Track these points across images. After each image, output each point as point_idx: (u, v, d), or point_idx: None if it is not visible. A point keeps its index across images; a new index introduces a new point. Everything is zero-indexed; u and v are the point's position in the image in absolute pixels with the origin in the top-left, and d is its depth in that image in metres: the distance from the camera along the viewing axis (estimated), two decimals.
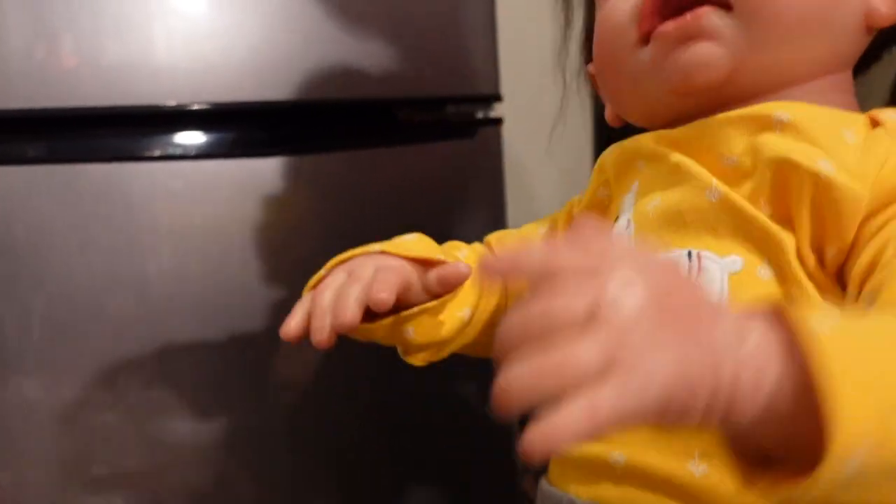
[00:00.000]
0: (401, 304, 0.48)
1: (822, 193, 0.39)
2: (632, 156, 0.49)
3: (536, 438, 0.24)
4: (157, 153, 0.86)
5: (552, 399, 0.25)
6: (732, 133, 0.43)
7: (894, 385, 0.26)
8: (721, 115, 0.44)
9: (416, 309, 0.48)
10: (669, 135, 0.46)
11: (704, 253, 0.42)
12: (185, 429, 0.89)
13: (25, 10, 0.76)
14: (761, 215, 0.41)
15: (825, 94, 0.45)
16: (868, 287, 0.37)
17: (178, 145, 0.87)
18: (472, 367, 0.61)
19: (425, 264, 0.50)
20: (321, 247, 0.90)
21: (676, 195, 0.44)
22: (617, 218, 0.49)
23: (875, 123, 0.42)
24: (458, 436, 1.01)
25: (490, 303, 0.54)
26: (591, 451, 0.43)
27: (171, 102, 0.83)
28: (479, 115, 1.03)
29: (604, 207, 0.53)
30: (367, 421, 0.98)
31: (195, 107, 0.84)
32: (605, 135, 1.16)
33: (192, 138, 0.88)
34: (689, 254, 0.42)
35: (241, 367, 0.91)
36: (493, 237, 0.60)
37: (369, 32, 0.93)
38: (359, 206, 0.96)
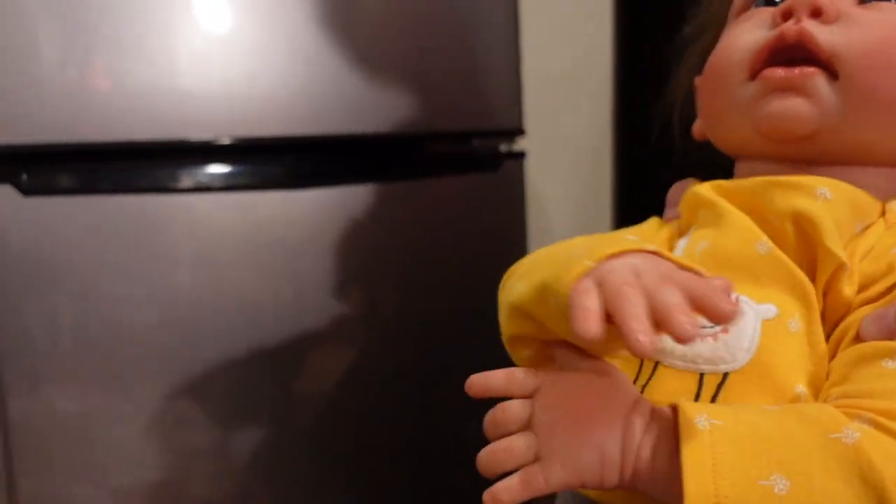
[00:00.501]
0: None
1: (836, 280, 0.43)
2: (695, 204, 0.52)
3: (489, 496, 0.39)
4: (185, 185, 0.90)
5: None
6: (779, 196, 0.46)
7: (756, 476, 0.35)
8: (773, 179, 0.47)
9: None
10: (726, 186, 0.49)
11: (743, 297, 0.44)
12: (205, 441, 0.93)
13: (58, 32, 0.80)
14: (803, 274, 0.44)
15: (877, 180, 0.47)
16: (831, 364, 0.42)
17: (208, 176, 0.91)
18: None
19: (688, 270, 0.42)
20: (349, 273, 0.96)
21: (726, 240, 0.47)
22: (672, 250, 0.52)
23: (882, 212, 0.46)
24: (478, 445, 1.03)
25: None
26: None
27: (204, 136, 0.87)
28: (503, 148, 1.07)
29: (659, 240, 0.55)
30: (386, 433, 1.02)
31: (225, 140, 0.88)
32: (626, 170, 1.19)
33: (221, 170, 0.91)
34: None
35: (260, 382, 0.95)
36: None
37: (398, 69, 0.97)
38: (387, 235, 1.00)
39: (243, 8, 0.89)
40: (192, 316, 0.90)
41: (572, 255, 0.40)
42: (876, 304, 0.42)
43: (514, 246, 1.08)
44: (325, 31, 0.93)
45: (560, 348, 0.42)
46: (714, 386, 0.42)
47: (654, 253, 0.39)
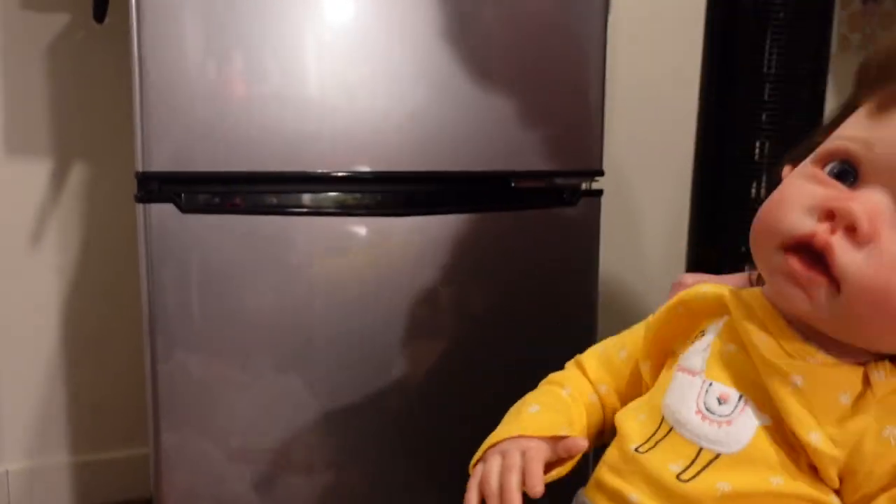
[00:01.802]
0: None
1: (812, 454, 0.50)
2: (720, 302, 0.59)
3: None
4: (308, 208, 1.06)
5: None
6: (766, 377, 0.53)
7: None
8: (766, 352, 0.53)
9: (554, 473, 0.62)
10: (742, 334, 0.55)
11: (749, 403, 0.53)
12: (308, 414, 1.09)
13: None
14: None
15: (867, 355, 0.52)
16: None
17: (328, 200, 1.08)
18: None
19: (554, 439, 0.61)
20: (444, 283, 1.12)
21: (745, 362, 0.55)
22: (703, 334, 0.59)
23: (867, 383, 0.51)
24: None
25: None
26: (615, 484, 0.57)
27: (340, 171, 1.04)
28: (583, 186, 1.19)
29: (681, 327, 0.63)
30: (466, 416, 1.15)
31: (342, 172, 1.05)
32: (701, 218, 1.25)
33: (339, 196, 1.08)
34: (741, 397, 0.54)
35: (360, 368, 1.11)
36: (589, 367, 0.70)
37: (497, 117, 1.11)
38: (478, 255, 1.14)
39: (377, 49, 1.06)
40: (305, 310, 1.07)
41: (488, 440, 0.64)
42: (886, 494, 0.49)
43: (586, 272, 1.21)
44: (445, 84, 1.09)
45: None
46: (707, 460, 0.53)
47: (520, 436, 0.61)
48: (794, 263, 0.51)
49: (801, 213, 0.51)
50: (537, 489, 0.57)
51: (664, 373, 0.62)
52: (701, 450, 0.53)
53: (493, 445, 0.63)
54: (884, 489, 0.49)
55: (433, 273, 1.12)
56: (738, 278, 0.67)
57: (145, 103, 0.95)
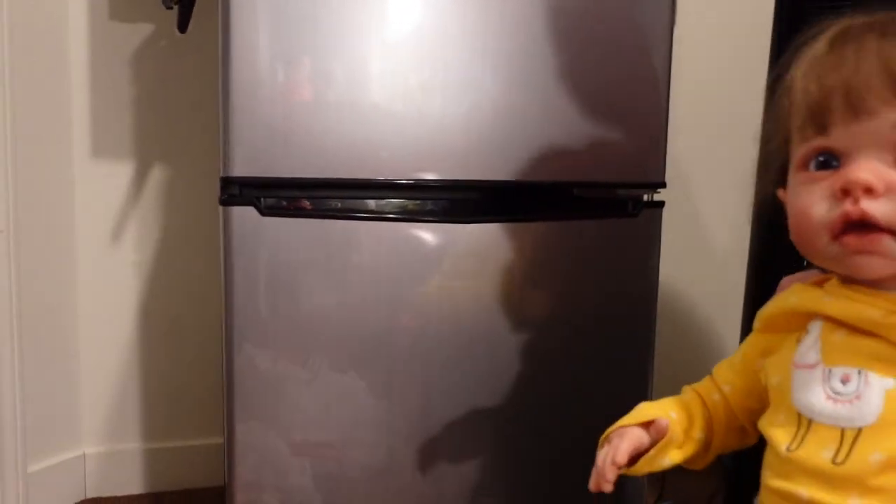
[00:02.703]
0: (643, 451, 0.72)
1: None
2: (817, 309, 0.64)
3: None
4: (374, 213, 1.10)
5: None
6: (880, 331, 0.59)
7: None
8: (879, 315, 0.59)
9: (644, 458, 0.71)
10: (851, 317, 0.61)
11: (869, 373, 0.58)
12: (366, 413, 1.12)
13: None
14: None
15: None
16: None
17: (393, 207, 1.12)
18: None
19: (647, 425, 0.72)
20: (508, 289, 1.15)
21: (854, 333, 0.61)
22: (808, 332, 0.64)
23: None
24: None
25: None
26: (782, 486, 0.61)
27: (404, 178, 1.08)
28: (645, 197, 1.22)
29: (785, 323, 0.68)
30: (531, 416, 1.21)
31: (411, 179, 1.09)
32: (762, 228, 1.26)
33: (408, 203, 1.12)
34: (859, 372, 0.58)
35: (416, 367, 1.14)
36: (717, 370, 0.77)
37: (562, 129, 1.14)
38: (540, 264, 1.18)
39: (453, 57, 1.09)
40: (367, 312, 1.11)
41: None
42: None
43: (646, 282, 1.23)
44: (510, 93, 1.12)
45: None
46: (852, 438, 0.57)
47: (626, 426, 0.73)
48: (851, 240, 0.58)
49: (824, 208, 0.60)
50: (618, 458, 0.70)
51: (776, 373, 0.66)
52: (843, 430, 0.58)
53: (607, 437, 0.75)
54: None
55: (495, 280, 1.15)
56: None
57: (228, 110, 1.00)
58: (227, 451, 1.08)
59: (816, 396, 0.60)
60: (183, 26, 1.45)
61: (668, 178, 1.20)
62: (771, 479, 0.62)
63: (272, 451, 1.10)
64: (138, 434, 1.63)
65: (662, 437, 0.70)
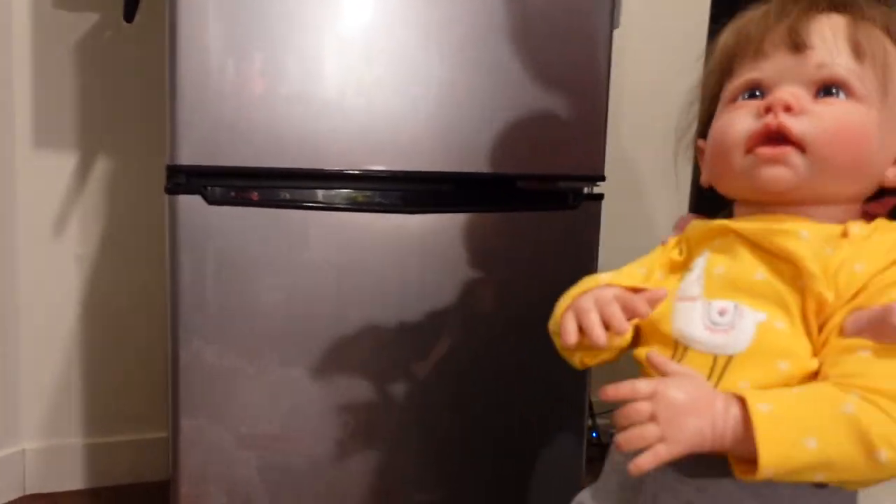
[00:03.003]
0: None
1: (819, 291, 0.62)
2: (711, 233, 0.71)
3: (635, 467, 0.58)
4: (322, 203, 1.11)
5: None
6: (778, 239, 0.65)
7: (796, 440, 0.56)
8: (770, 226, 0.66)
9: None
10: (738, 226, 0.68)
11: (744, 307, 0.64)
12: (312, 406, 1.13)
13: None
14: (785, 291, 0.64)
15: (839, 213, 0.67)
16: (820, 355, 0.62)
17: (340, 197, 1.13)
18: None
19: (636, 290, 0.70)
20: (448, 280, 1.17)
21: (736, 269, 0.67)
22: (690, 269, 0.71)
23: (845, 234, 0.64)
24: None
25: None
26: None
27: (354, 169, 1.10)
28: (585, 190, 1.25)
29: (676, 262, 0.75)
30: (466, 405, 1.22)
31: (361, 170, 1.10)
32: (699, 210, 1.32)
33: (353, 195, 1.13)
34: (735, 305, 0.65)
35: (363, 361, 1.15)
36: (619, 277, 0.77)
37: (504, 123, 1.17)
38: (483, 254, 1.20)
39: (398, 52, 1.11)
40: (315, 303, 1.11)
41: (567, 294, 0.72)
42: (848, 305, 0.61)
43: (587, 271, 1.25)
44: (458, 88, 1.14)
45: (653, 365, 0.64)
46: (723, 365, 0.64)
47: (608, 285, 0.70)
48: (765, 149, 0.66)
49: (746, 124, 0.67)
50: (640, 309, 0.66)
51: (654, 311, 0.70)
52: (716, 358, 0.64)
53: (581, 294, 0.71)
54: (845, 305, 0.62)
55: (440, 270, 1.18)
56: (657, 250, 0.79)
57: (176, 98, 1.01)
58: (172, 444, 1.08)
59: (695, 325, 0.66)
60: (129, 16, 1.44)
61: (607, 171, 1.24)
62: None
63: (218, 444, 1.10)
64: (80, 429, 1.62)
65: (653, 308, 0.68)
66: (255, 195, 1.06)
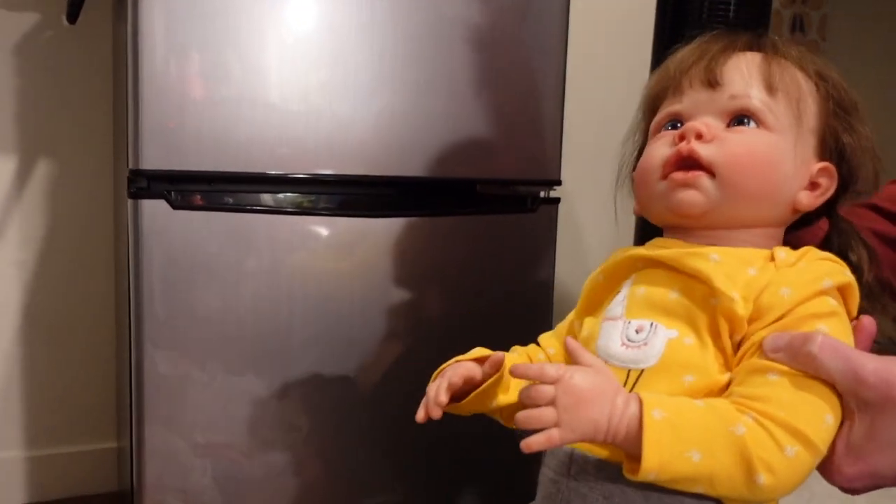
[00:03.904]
0: (476, 386, 0.75)
1: (730, 307, 0.64)
2: (635, 260, 0.74)
3: (525, 444, 0.59)
4: (284, 207, 1.11)
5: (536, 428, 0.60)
6: (688, 261, 0.68)
7: (680, 451, 0.58)
8: (684, 250, 0.69)
9: (476, 391, 0.75)
10: (659, 253, 0.71)
11: (658, 325, 0.67)
12: (265, 413, 1.13)
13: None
14: (695, 310, 0.66)
15: (758, 240, 0.70)
16: (733, 371, 0.65)
17: (303, 201, 1.13)
18: None
19: (482, 360, 0.76)
20: (408, 283, 1.18)
21: (654, 290, 0.70)
22: (618, 292, 0.73)
23: (772, 258, 0.67)
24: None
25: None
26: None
27: (301, 173, 1.09)
28: (542, 194, 1.28)
29: (600, 286, 0.78)
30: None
31: (308, 174, 1.10)
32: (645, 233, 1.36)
33: (299, 199, 1.13)
34: (651, 324, 0.68)
35: (318, 367, 1.15)
36: (542, 338, 0.85)
37: (461, 127, 1.19)
38: (441, 257, 1.22)
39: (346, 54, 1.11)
40: (266, 308, 1.11)
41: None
42: (770, 327, 0.63)
43: (543, 275, 1.29)
44: (412, 91, 1.15)
45: (568, 351, 0.67)
46: (635, 377, 0.66)
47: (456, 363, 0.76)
48: (677, 175, 0.69)
49: (662, 151, 0.72)
50: (454, 379, 0.74)
51: (588, 327, 0.75)
52: (629, 371, 0.67)
53: (440, 372, 0.78)
54: (765, 327, 0.64)
55: (398, 274, 1.18)
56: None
57: (140, 103, 0.99)
58: (137, 454, 1.06)
59: (614, 342, 0.69)
60: (73, 17, 1.40)
61: (563, 176, 1.27)
62: None
63: (175, 454, 1.09)
64: (20, 441, 1.56)
65: (496, 372, 0.74)
66: (195, 199, 1.05)
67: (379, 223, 1.16)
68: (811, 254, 0.68)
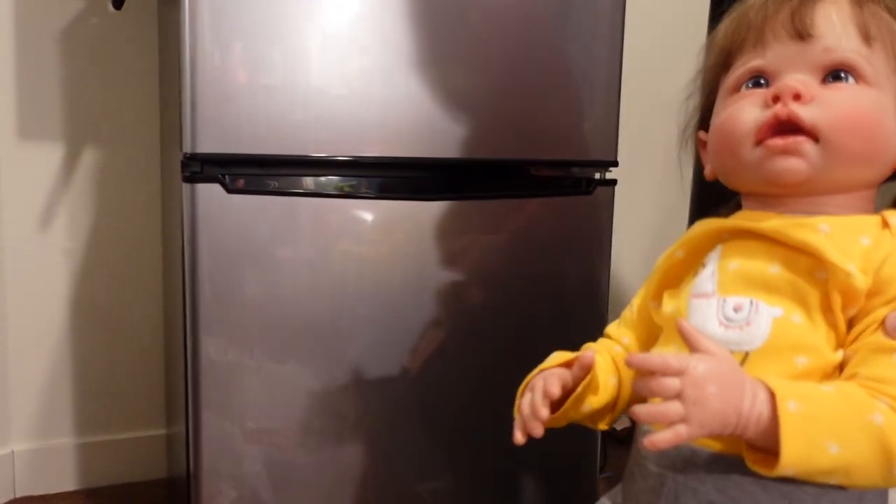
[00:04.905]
0: (568, 393, 0.71)
1: (846, 282, 0.60)
2: (720, 230, 0.69)
3: (650, 442, 0.55)
4: (339, 191, 1.09)
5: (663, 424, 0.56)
6: (794, 232, 0.63)
7: (819, 443, 0.55)
8: (788, 221, 0.64)
9: (571, 397, 0.71)
10: (759, 226, 0.65)
11: (760, 303, 0.63)
12: (315, 400, 1.11)
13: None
14: (803, 285, 0.62)
15: (856, 203, 0.66)
16: (849, 349, 0.60)
17: (359, 184, 1.11)
18: None
19: (570, 364, 0.72)
20: (465, 268, 1.16)
21: (750, 263, 0.65)
22: (704, 266, 0.69)
23: (885, 224, 0.63)
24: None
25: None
26: None
27: (343, 156, 1.07)
28: (598, 176, 1.25)
29: (678, 262, 0.73)
30: (464, 398, 1.21)
31: (351, 156, 1.08)
32: (703, 196, 1.33)
33: (370, 180, 1.11)
34: (751, 301, 0.63)
35: (363, 353, 1.13)
36: (610, 330, 0.81)
37: (518, 108, 1.16)
38: (496, 243, 1.19)
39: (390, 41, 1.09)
40: (320, 297, 1.09)
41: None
42: (893, 303, 0.59)
43: (599, 258, 1.26)
44: (460, 72, 1.13)
45: (684, 335, 0.62)
46: (740, 360, 0.61)
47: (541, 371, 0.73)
48: (776, 141, 0.64)
49: (753, 114, 0.65)
50: (552, 389, 0.69)
51: (672, 304, 0.70)
52: (732, 354, 0.61)
53: (527, 385, 0.74)
54: (887, 303, 0.60)
55: (448, 259, 1.16)
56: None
57: (196, 88, 0.98)
58: (193, 441, 1.05)
59: (710, 322, 0.64)
60: (118, 2, 1.40)
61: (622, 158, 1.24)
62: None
63: (229, 440, 1.08)
64: (71, 429, 1.57)
65: (587, 374, 0.70)
66: (238, 184, 1.03)
67: (431, 206, 1.13)
68: None
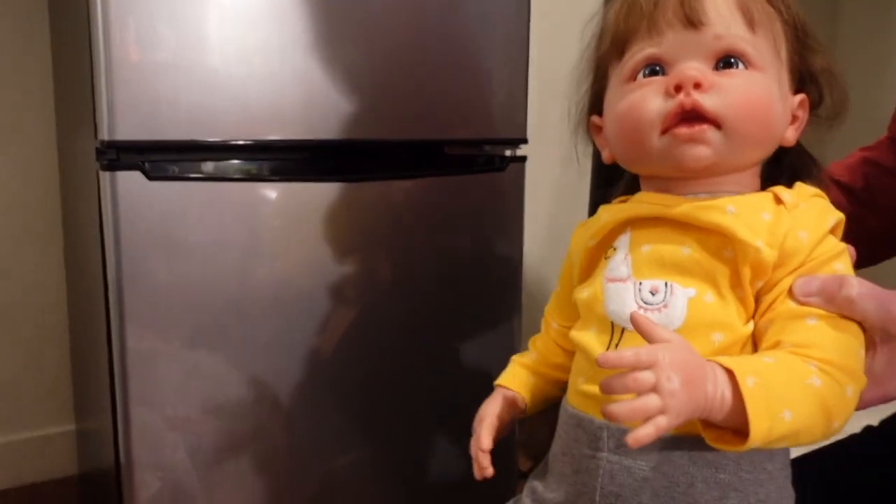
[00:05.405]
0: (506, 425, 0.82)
1: (756, 257, 0.63)
2: (629, 215, 0.71)
3: (633, 439, 0.54)
4: (261, 175, 1.09)
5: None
6: (704, 215, 0.65)
7: (776, 413, 0.57)
8: (696, 205, 0.66)
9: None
10: (670, 211, 0.68)
11: (674, 284, 0.65)
12: (231, 387, 1.11)
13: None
14: (713, 264, 0.65)
15: (748, 181, 0.70)
16: (763, 319, 0.64)
17: (276, 168, 1.11)
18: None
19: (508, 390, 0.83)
20: (376, 245, 1.17)
21: (662, 247, 0.67)
22: (615, 249, 0.70)
23: (778, 201, 0.66)
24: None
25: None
26: (594, 390, 0.67)
27: (244, 139, 1.06)
28: (508, 153, 1.28)
29: (591, 250, 0.74)
30: (376, 376, 1.23)
31: (253, 140, 1.07)
32: (602, 174, 1.39)
33: (287, 164, 1.11)
34: (666, 283, 0.66)
35: (280, 332, 1.13)
36: (547, 311, 0.86)
37: (427, 88, 1.18)
38: (408, 221, 1.21)
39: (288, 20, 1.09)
40: (228, 282, 1.09)
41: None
42: (795, 272, 0.63)
43: (514, 230, 1.30)
44: (371, 50, 1.13)
45: (639, 327, 0.63)
46: None
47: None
48: (682, 130, 0.65)
49: (656, 104, 0.66)
50: (482, 445, 0.78)
51: (588, 289, 0.72)
52: None
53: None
54: (791, 273, 0.64)
55: (365, 239, 1.17)
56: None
57: (111, 73, 0.95)
58: (123, 434, 1.03)
59: (629, 305, 0.66)
60: None
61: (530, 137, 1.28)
62: (584, 385, 0.70)
63: (152, 430, 1.07)
64: None
65: (519, 412, 0.80)
66: (182, 169, 1.02)
67: (340, 187, 1.14)
68: (803, 190, 0.68)
